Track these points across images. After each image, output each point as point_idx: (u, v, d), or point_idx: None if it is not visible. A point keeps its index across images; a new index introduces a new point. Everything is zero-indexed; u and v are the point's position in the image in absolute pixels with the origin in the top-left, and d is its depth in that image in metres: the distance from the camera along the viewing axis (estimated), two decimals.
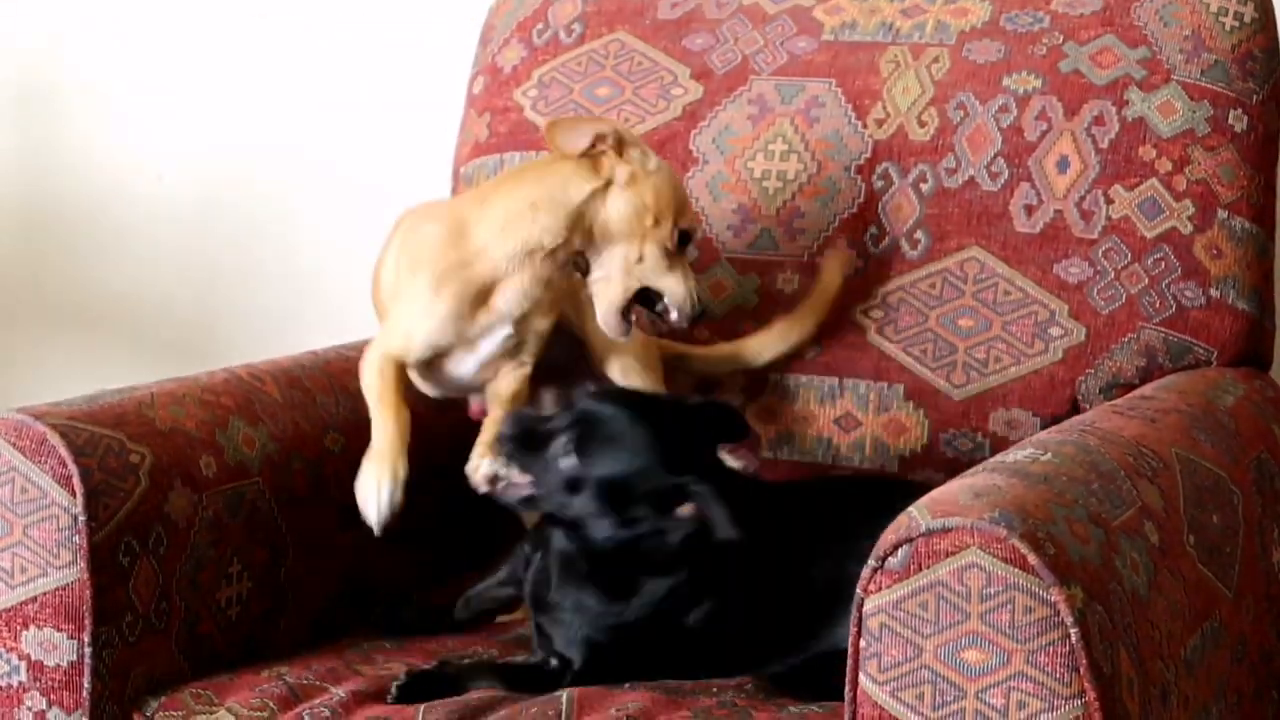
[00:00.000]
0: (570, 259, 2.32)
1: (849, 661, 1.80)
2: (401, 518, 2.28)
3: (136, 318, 3.41)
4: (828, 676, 1.96)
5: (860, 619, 1.79)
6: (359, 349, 2.61)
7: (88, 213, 3.40)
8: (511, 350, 2.35)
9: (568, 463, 2.16)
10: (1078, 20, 2.53)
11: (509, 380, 2.37)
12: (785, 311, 2.54)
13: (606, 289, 2.31)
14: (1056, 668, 1.72)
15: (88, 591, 2.13)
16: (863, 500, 2.24)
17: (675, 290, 2.31)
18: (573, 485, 2.16)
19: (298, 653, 2.32)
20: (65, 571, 2.14)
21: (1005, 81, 2.52)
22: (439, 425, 2.55)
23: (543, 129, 2.50)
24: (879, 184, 2.55)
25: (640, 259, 2.30)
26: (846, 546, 2.07)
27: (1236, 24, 2.47)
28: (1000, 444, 2.44)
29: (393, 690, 2.16)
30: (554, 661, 2.21)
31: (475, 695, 2.14)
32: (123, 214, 3.39)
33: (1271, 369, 2.52)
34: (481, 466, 2.25)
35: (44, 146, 3.41)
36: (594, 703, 2.08)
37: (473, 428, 2.37)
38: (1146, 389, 2.33)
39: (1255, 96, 2.46)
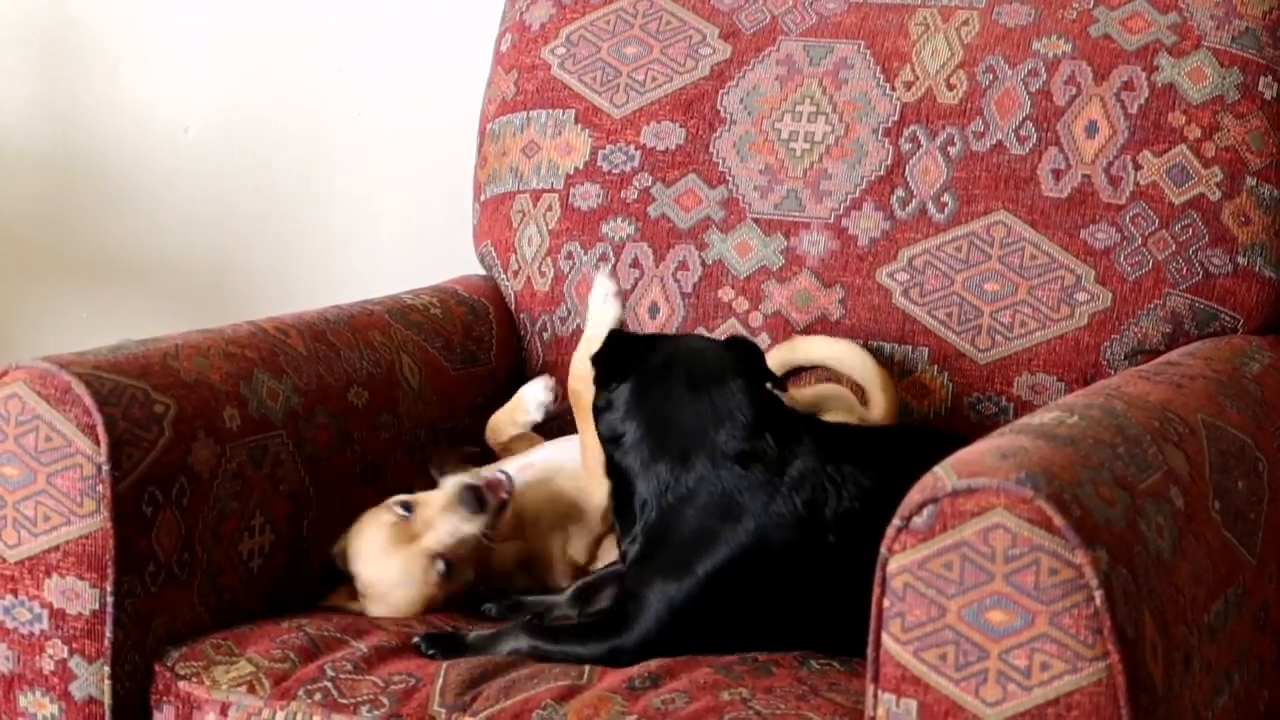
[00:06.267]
0: None
1: (872, 620, 1.80)
2: None
3: (162, 271, 3.41)
4: None
5: (884, 578, 1.79)
6: (383, 303, 2.61)
7: (113, 165, 3.40)
8: None
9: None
10: None
11: None
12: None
13: None
14: (1080, 630, 1.72)
15: (110, 541, 2.13)
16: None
17: None
18: None
19: (318, 606, 2.33)
20: (88, 520, 2.14)
21: (1035, 45, 2.51)
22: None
23: None
24: (907, 147, 2.54)
25: None
26: None
27: None
28: (1024, 408, 2.44)
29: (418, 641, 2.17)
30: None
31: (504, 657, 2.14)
32: (148, 166, 3.39)
33: None
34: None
35: (69, 98, 3.41)
36: None
37: None
38: (1172, 355, 2.33)
39: None
